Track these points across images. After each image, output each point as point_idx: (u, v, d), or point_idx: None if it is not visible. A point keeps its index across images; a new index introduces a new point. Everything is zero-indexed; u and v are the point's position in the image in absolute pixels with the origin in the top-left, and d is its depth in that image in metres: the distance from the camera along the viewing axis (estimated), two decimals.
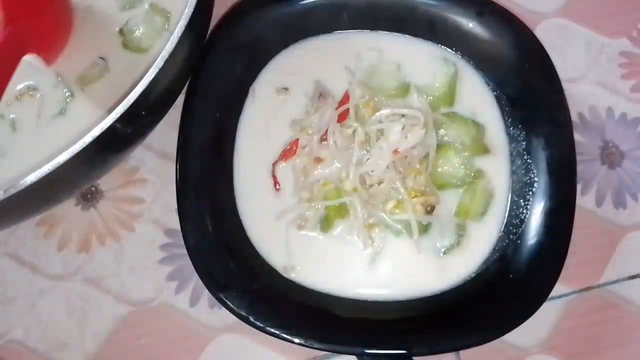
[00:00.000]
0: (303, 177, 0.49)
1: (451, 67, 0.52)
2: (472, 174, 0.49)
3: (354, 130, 0.48)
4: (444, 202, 0.49)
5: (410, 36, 0.53)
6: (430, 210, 0.48)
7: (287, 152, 0.49)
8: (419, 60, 0.52)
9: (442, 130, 0.50)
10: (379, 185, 0.48)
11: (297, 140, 0.49)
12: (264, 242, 0.48)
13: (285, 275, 0.47)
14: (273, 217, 0.48)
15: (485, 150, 0.50)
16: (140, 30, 0.41)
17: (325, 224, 0.48)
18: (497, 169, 0.50)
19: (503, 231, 0.49)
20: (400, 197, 0.47)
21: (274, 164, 0.49)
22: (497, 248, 0.48)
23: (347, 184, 0.47)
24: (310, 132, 0.49)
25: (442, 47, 0.53)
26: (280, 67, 0.52)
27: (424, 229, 0.48)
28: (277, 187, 0.49)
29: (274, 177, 0.49)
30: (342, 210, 0.48)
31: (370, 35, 0.53)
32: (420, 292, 0.48)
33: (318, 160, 0.49)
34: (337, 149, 0.48)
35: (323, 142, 0.49)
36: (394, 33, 0.53)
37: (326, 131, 0.49)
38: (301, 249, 0.48)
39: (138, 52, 0.41)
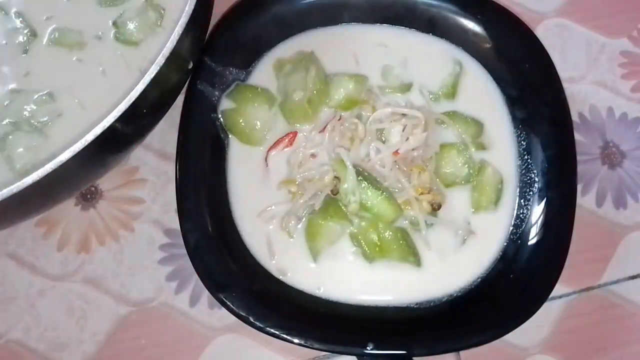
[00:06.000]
0: (297, 171, 0.48)
1: (457, 66, 0.52)
2: (477, 170, 0.49)
3: (354, 128, 0.48)
4: (453, 199, 0.49)
5: (416, 31, 0.53)
6: (437, 207, 0.48)
7: (282, 140, 0.49)
8: (424, 57, 0.52)
9: (442, 128, 0.50)
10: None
11: (296, 132, 0.49)
12: (256, 244, 0.48)
13: (280, 278, 0.47)
14: (262, 218, 0.48)
15: (482, 147, 0.50)
16: (134, 24, 0.41)
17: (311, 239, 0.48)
18: (502, 159, 0.50)
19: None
20: (407, 196, 0.47)
21: (268, 151, 0.49)
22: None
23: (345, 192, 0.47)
24: (310, 127, 0.50)
25: (449, 42, 0.52)
26: (283, 54, 0.52)
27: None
28: (267, 165, 0.49)
29: (266, 162, 0.49)
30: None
31: (375, 29, 0.53)
32: (423, 297, 0.48)
33: (313, 156, 0.49)
34: (336, 146, 0.48)
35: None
36: (398, 27, 0.53)
37: (325, 127, 0.49)
38: (288, 252, 0.48)
39: (129, 45, 0.41)
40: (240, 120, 0.49)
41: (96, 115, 0.39)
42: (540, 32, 0.56)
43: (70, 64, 0.41)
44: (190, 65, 0.45)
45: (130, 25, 0.41)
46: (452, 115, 0.50)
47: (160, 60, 0.37)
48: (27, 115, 0.40)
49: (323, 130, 0.49)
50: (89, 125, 0.37)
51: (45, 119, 0.40)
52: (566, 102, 0.49)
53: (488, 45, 0.52)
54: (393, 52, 0.52)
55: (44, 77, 0.41)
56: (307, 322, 0.45)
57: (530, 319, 0.45)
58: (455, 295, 0.47)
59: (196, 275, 0.46)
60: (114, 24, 0.42)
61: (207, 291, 0.46)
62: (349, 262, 0.48)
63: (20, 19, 0.41)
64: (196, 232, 0.46)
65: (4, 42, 0.41)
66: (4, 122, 0.39)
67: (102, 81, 0.41)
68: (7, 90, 0.40)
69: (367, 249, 0.47)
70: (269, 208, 0.48)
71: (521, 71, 0.51)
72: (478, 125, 0.50)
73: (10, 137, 0.39)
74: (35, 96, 0.40)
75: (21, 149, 0.39)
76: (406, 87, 0.51)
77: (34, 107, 0.40)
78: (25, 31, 0.41)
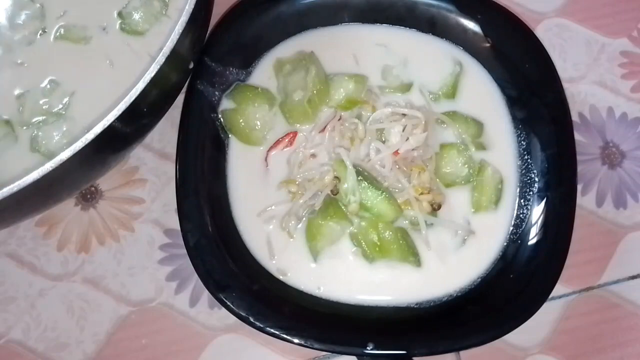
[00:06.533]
0: (297, 171, 0.48)
1: (457, 66, 0.52)
2: (477, 170, 0.49)
3: (354, 128, 0.48)
4: (453, 199, 0.49)
5: (416, 31, 0.53)
6: (437, 207, 0.48)
7: (282, 140, 0.49)
8: (424, 57, 0.52)
9: (442, 128, 0.50)
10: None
11: (296, 132, 0.50)
12: (256, 244, 0.48)
13: (280, 278, 0.47)
14: (262, 218, 0.48)
15: (482, 147, 0.50)
16: (139, 14, 0.42)
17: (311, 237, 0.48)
18: (502, 159, 0.50)
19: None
20: (407, 196, 0.47)
21: (268, 151, 0.49)
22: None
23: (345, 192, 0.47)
24: (310, 127, 0.50)
25: (449, 42, 0.52)
26: (283, 54, 0.52)
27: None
28: (267, 165, 0.49)
29: (266, 162, 0.49)
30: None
31: (375, 29, 0.53)
32: (423, 297, 0.48)
33: (313, 156, 0.49)
34: (335, 146, 0.48)
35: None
36: (398, 27, 0.53)
37: (325, 127, 0.49)
38: (288, 252, 0.48)
39: (135, 35, 0.41)
40: (240, 120, 0.49)
41: (110, 100, 0.39)
42: (540, 32, 0.56)
43: (77, 55, 0.42)
44: (191, 65, 0.45)
45: (136, 16, 0.42)
46: (452, 115, 0.50)
47: (161, 59, 0.37)
48: (45, 108, 0.40)
49: (323, 130, 0.49)
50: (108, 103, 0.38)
51: (62, 102, 0.40)
52: (566, 102, 0.49)
53: (488, 45, 0.52)
54: (393, 52, 0.52)
55: (52, 69, 0.41)
56: (307, 322, 0.45)
57: (530, 319, 0.45)
58: (455, 295, 0.47)
59: (196, 275, 0.46)
60: (119, 14, 0.42)
61: (207, 291, 0.46)
62: (349, 262, 0.48)
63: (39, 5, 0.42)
64: (196, 232, 0.46)
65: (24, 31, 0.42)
66: (26, 128, 0.40)
67: (111, 71, 0.41)
68: (13, 98, 0.41)
69: (367, 249, 0.47)
70: (269, 208, 0.48)
71: (521, 71, 0.51)
72: (478, 125, 0.50)
73: (40, 133, 0.39)
74: (43, 84, 0.40)
75: (55, 139, 0.39)
76: (406, 87, 0.51)
77: (46, 99, 0.40)
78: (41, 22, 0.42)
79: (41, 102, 0.40)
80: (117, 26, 0.42)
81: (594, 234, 0.52)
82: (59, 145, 0.39)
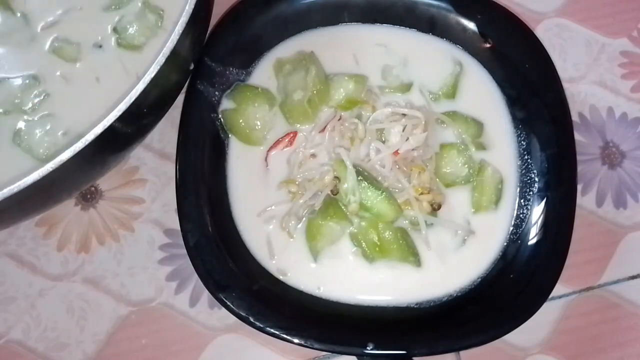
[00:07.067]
0: (297, 171, 0.48)
1: (457, 66, 0.52)
2: (477, 170, 0.49)
3: (354, 128, 0.48)
4: (453, 199, 0.49)
5: (416, 31, 0.53)
6: (437, 207, 0.48)
7: (282, 140, 0.49)
8: (424, 57, 0.52)
9: (442, 128, 0.50)
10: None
11: (296, 132, 0.50)
12: (256, 244, 0.48)
13: (280, 278, 0.47)
14: (262, 218, 0.48)
15: (482, 147, 0.50)
16: (134, 28, 0.41)
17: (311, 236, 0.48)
18: (502, 159, 0.50)
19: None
20: (407, 196, 0.47)
21: (268, 151, 0.49)
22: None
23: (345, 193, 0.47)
24: (310, 127, 0.50)
25: (449, 42, 0.52)
26: (283, 54, 0.52)
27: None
28: (267, 165, 0.49)
29: (266, 162, 0.49)
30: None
31: (375, 29, 0.53)
32: (423, 297, 0.48)
33: (313, 156, 0.49)
34: (335, 146, 0.48)
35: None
36: (398, 27, 0.53)
37: (325, 127, 0.49)
38: (288, 252, 0.48)
39: (131, 50, 0.41)
40: (240, 120, 0.49)
41: (97, 114, 0.40)
42: (540, 32, 0.56)
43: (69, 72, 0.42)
44: (192, 66, 0.45)
45: (131, 30, 0.41)
46: (452, 115, 0.50)
47: (161, 59, 0.37)
48: (29, 107, 0.40)
49: (323, 130, 0.49)
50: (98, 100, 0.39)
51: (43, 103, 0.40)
52: (566, 102, 0.49)
53: (488, 45, 0.52)
54: (393, 52, 0.52)
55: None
56: (307, 322, 0.45)
57: (530, 319, 0.45)
58: (455, 295, 0.47)
59: (196, 275, 0.46)
60: (114, 30, 0.42)
61: (207, 291, 0.46)
62: (349, 262, 0.48)
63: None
64: (196, 232, 0.46)
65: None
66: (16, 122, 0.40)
67: (98, 87, 0.41)
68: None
69: (367, 249, 0.47)
70: (269, 208, 0.48)
71: (521, 71, 0.51)
72: (478, 125, 0.50)
73: (23, 129, 0.39)
74: (35, 92, 0.41)
75: (38, 137, 0.39)
76: (406, 87, 0.51)
77: (32, 98, 0.41)
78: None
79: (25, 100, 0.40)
80: (113, 41, 0.42)
81: (594, 234, 0.52)
82: (38, 145, 0.39)
